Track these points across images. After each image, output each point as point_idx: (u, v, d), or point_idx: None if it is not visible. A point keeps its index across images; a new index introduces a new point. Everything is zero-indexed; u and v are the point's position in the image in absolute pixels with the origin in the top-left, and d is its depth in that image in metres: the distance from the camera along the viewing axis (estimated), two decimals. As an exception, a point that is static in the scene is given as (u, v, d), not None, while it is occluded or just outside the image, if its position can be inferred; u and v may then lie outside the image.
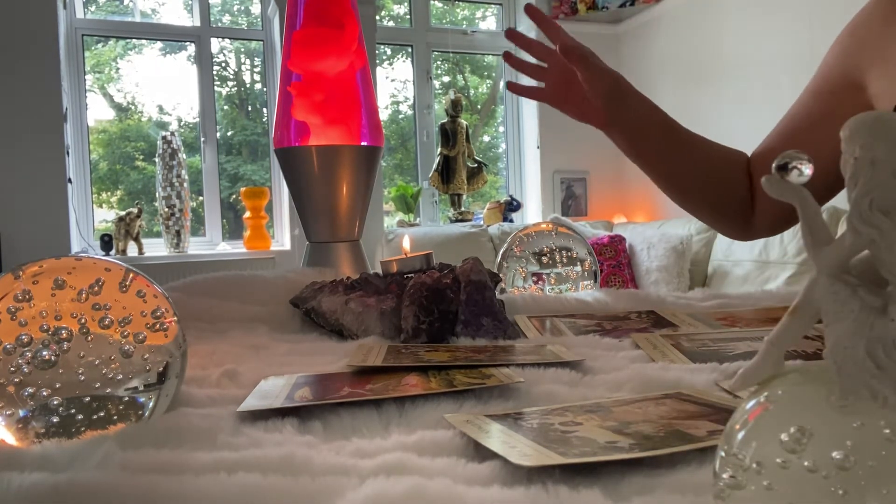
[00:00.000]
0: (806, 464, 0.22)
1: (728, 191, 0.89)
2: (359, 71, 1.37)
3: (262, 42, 3.80)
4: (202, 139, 3.62)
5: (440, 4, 4.35)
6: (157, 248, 3.44)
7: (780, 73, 3.10)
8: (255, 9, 3.88)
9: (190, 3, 3.68)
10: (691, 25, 3.71)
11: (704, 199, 0.90)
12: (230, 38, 3.86)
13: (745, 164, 0.90)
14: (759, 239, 0.98)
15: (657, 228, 3.50)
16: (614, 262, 3.42)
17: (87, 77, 3.51)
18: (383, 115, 4.21)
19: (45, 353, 0.41)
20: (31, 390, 0.41)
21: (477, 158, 4.01)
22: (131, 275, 0.46)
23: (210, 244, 3.60)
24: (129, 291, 0.45)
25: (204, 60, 3.63)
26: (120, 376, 0.43)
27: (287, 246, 3.57)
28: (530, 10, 0.85)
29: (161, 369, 0.45)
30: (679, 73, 3.80)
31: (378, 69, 4.03)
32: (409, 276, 0.83)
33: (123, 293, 0.45)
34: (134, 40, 3.70)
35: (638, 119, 0.85)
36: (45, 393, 0.41)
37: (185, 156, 3.40)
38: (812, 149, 0.82)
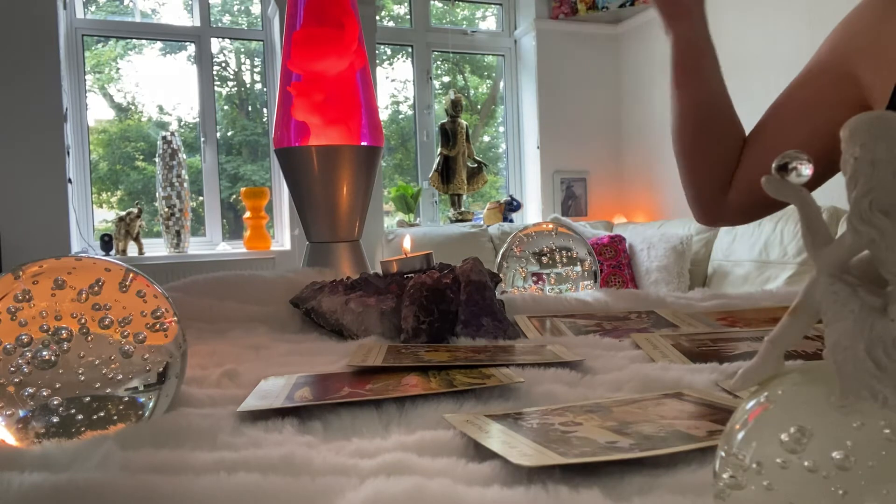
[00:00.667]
0: (806, 464, 0.22)
1: (725, 148, 0.90)
2: (359, 71, 1.37)
3: (262, 42, 3.80)
4: (202, 139, 3.62)
5: (440, 4, 4.35)
6: (157, 248, 3.44)
7: (780, 73, 3.09)
8: (255, 9, 3.88)
9: (190, 3, 3.68)
10: (691, 25, 3.70)
11: (706, 148, 0.91)
12: (230, 38, 3.86)
13: (744, 137, 0.91)
14: (728, 226, 0.98)
15: (657, 228, 3.50)
16: (614, 262, 3.42)
17: (87, 77, 3.51)
18: (383, 115, 4.21)
19: (45, 353, 0.41)
20: (31, 390, 0.41)
21: (477, 158, 4.02)
22: (131, 275, 0.46)
23: (210, 244, 3.60)
24: (129, 291, 0.45)
25: (204, 60, 3.63)
26: (120, 376, 0.43)
27: (287, 246, 3.57)
28: None
29: (161, 369, 0.45)
30: (679, 73, 3.80)
31: (378, 69, 4.03)
32: (409, 276, 0.83)
33: (123, 293, 0.45)
34: (134, 40, 3.70)
35: (705, 26, 0.88)
36: (45, 393, 0.41)
37: (185, 156, 3.40)
38: (801, 133, 0.83)
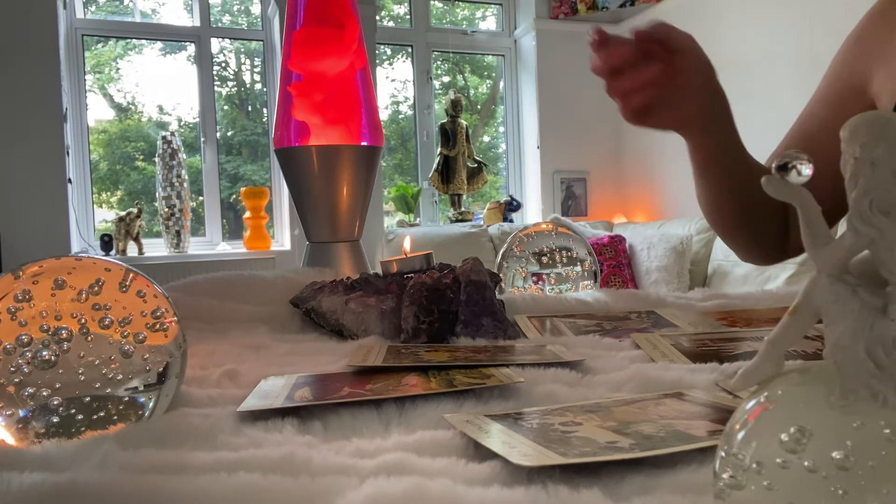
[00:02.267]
0: (806, 464, 0.22)
1: (768, 225, 0.84)
2: (359, 71, 1.37)
3: (262, 42, 3.80)
4: (202, 139, 3.62)
5: (440, 4, 4.35)
6: (157, 248, 3.44)
7: (780, 73, 3.10)
8: (255, 9, 3.88)
9: (190, 3, 3.68)
10: (691, 25, 3.69)
11: (750, 229, 0.85)
12: (230, 38, 3.86)
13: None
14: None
15: (657, 228, 3.50)
16: (614, 262, 3.42)
17: (87, 77, 3.51)
18: (383, 115, 4.21)
19: (45, 353, 0.41)
20: (31, 390, 0.41)
21: (477, 158, 4.01)
22: (131, 275, 0.46)
23: (210, 244, 3.60)
24: (129, 291, 0.45)
25: (204, 60, 3.63)
26: (120, 376, 0.43)
27: (287, 246, 3.57)
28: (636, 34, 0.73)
29: (161, 369, 0.45)
30: (679, 73, 3.79)
31: (378, 69, 4.03)
32: (409, 276, 0.83)
33: (123, 293, 0.45)
34: (134, 40, 3.70)
35: (729, 136, 0.77)
36: (45, 393, 0.41)
37: (185, 156, 3.40)
38: (823, 157, 0.81)
